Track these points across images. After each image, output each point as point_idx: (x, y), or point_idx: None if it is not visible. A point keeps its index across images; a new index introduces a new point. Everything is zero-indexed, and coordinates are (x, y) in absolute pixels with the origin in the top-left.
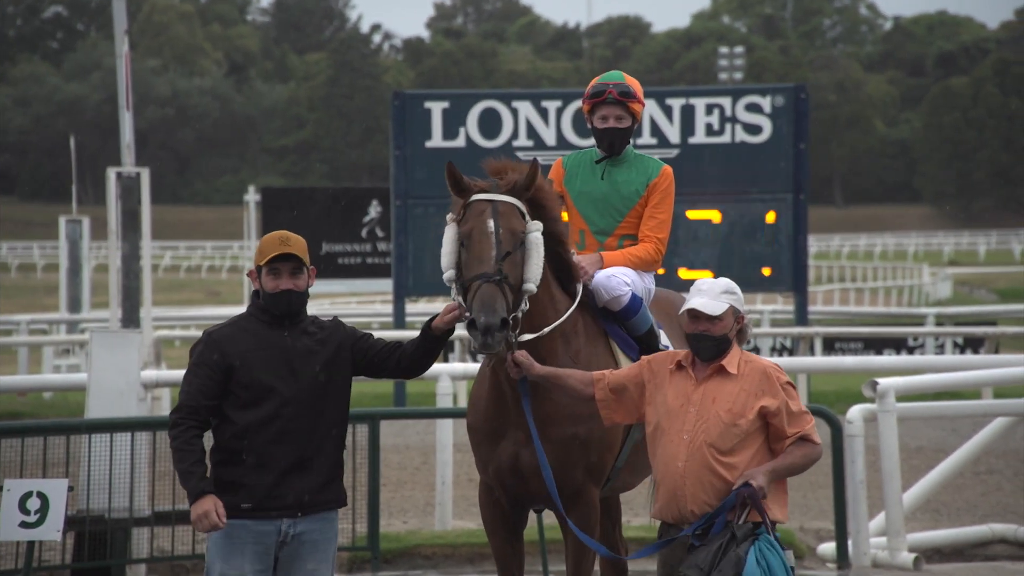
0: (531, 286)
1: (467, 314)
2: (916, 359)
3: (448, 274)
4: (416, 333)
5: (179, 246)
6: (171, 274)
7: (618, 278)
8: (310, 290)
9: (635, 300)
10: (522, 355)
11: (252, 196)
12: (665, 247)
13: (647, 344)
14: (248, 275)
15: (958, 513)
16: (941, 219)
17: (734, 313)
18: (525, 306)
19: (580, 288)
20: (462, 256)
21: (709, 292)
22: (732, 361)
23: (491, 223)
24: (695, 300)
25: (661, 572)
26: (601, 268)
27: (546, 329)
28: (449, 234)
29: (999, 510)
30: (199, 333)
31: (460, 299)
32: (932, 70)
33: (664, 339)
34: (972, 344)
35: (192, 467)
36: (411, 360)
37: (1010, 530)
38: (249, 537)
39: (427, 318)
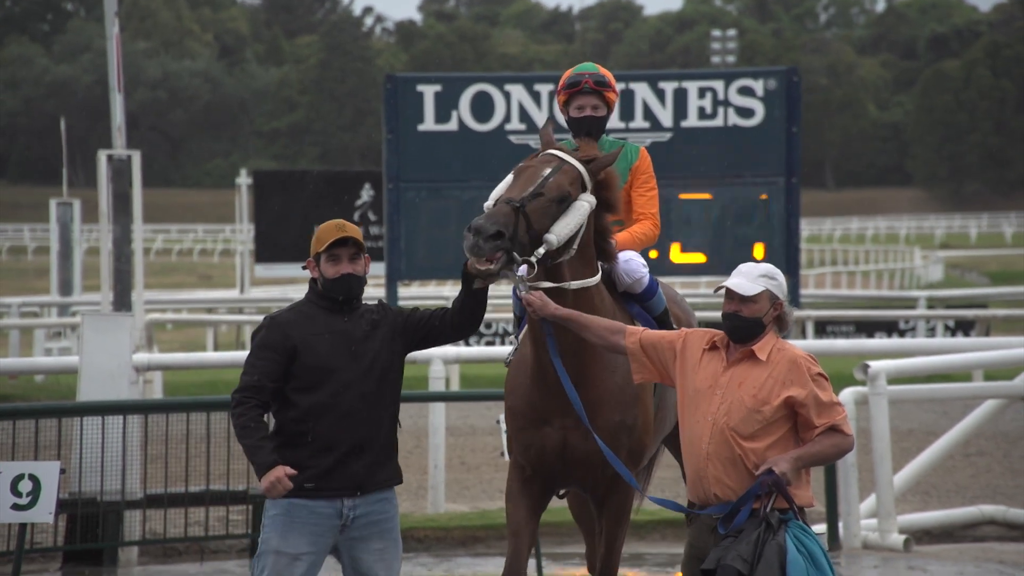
0: (552, 238)
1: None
2: (907, 342)
3: (488, 203)
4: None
5: (171, 229)
6: (163, 257)
7: (636, 261)
8: (304, 273)
9: (653, 282)
10: (537, 295)
11: (244, 179)
12: (659, 221)
13: (664, 324)
14: (306, 265)
15: (948, 495)
16: (933, 202)
17: (770, 298)
18: (541, 252)
19: (599, 267)
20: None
21: (747, 274)
22: (764, 347)
23: (547, 169)
24: (731, 279)
25: (689, 553)
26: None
27: (572, 284)
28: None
29: (988, 492)
30: (191, 316)
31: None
32: (924, 53)
33: None
34: (963, 327)
35: (261, 441)
36: (462, 316)
37: (999, 511)
38: (308, 517)
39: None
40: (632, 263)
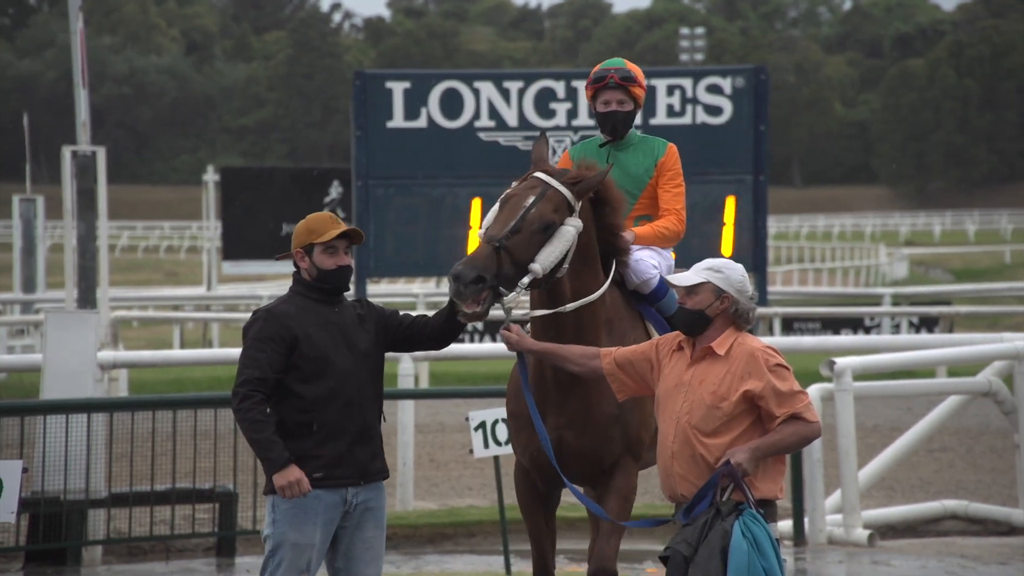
0: (537, 268)
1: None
2: (872, 339)
3: (480, 231)
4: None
5: (137, 226)
6: (129, 254)
7: (646, 262)
8: (272, 270)
9: (662, 283)
10: (514, 330)
11: (211, 176)
12: (685, 217)
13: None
14: (295, 255)
15: (912, 490)
16: (898, 200)
17: (714, 291)
18: (525, 281)
19: (613, 266)
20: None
21: (696, 267)
22: (723, 343)
23: (531, 198)
24: (676, 273)
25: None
26: (633, 243)
27: (562, 309)
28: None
29: (951, 486)
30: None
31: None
32: (889, 52)
33: None
34: (927, 324)
35: (272, 436)
36: (440, 331)
37: (961, 506)
38: (320, 507)
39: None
40: (641, 263)
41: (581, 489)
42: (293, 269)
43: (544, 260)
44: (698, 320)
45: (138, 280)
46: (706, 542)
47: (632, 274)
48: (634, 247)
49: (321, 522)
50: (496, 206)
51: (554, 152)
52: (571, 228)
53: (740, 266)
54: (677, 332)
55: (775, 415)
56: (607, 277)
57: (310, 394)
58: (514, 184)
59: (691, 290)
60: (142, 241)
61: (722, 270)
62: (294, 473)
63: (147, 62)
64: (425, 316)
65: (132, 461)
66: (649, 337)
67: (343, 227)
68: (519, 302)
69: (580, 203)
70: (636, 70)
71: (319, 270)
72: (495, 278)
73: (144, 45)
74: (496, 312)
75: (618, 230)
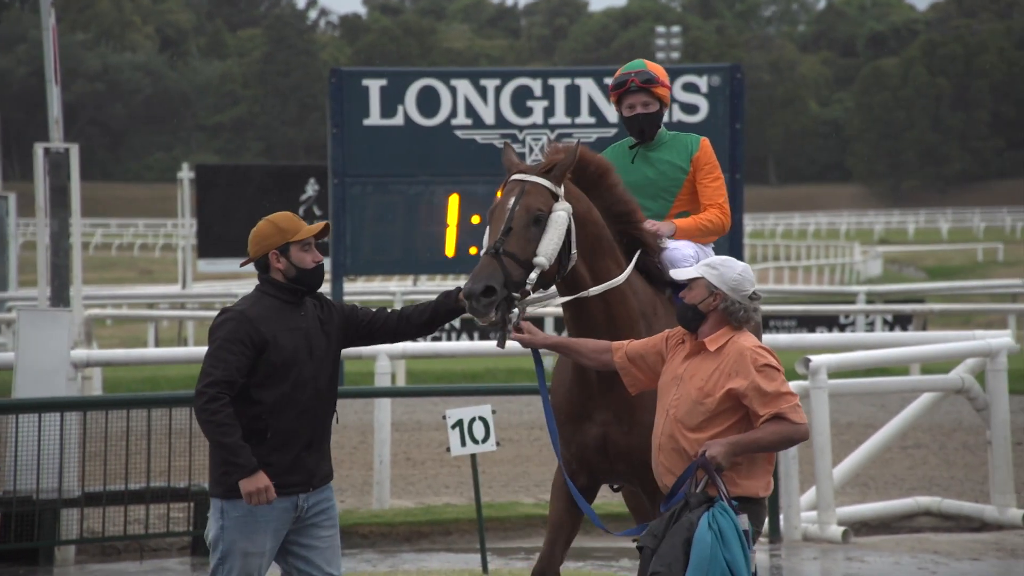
0: (542, 260)
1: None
2: (847, 336)
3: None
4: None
5: (110, 224)
6: (102, 252)
7: (683, 251)
8: (248, 268)
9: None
10: (525, 327)
11: (186, 173)
12: (729, 210)
13: None
14: (270, 257)
15: (886, 487)
16: (872, 198)
17: (707, 286)
18: (534, 276)
19: (637, 254)
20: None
21: (699, 264)
22: (716, 340)
23: (512, 200)
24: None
25: None
26: (674, 236)
27: (583, 293)
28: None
29: (924, 483)
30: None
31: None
32: (863, 51)
33: None
34: (901, 321)
35: (240, 440)
36: (414, 326)
37: (934, 502)
38: (272, 514)
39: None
40: (677, 252)
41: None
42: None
43: (545, 250)
44: (692, 315)
45: (112, 278)
46: (671, 533)
47: (667, 261)
48: (672, 242)
49: (272, 529)
50: (488, 223)
51: (531, 151)
52: (561, 212)
53: (742, 265)
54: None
55: (759, 414)
56: (644, 281)
57: (268, 400)
58: (497, 196)
59: (688, 284)
60: (116, 239)
61: (718, 267)
62: (263, 480)
63: (121, 59)
64: (390, 311)
65: (106, 460)
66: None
67: (312, 225)
68: (535, 301)
69: (563, 187)
70: (657, 70)
71: (298, 269)
72: (504, 286)
73: (118, 42)
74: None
75: (631, 216)
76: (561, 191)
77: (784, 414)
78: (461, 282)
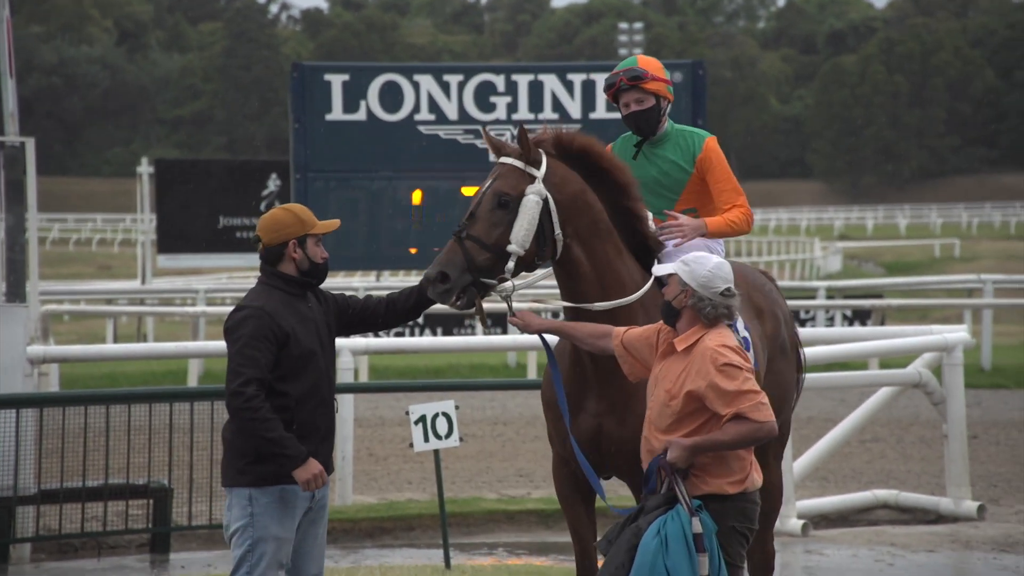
0: (514, 247)
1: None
2: (807, 331)
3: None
4: None
5: (68, 218)
6: (60, 247)
7: (693, 247)
8: (209, 264)
9: None
10: (520, 314)
11: (145, 168)
12: (750, 208)
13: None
14: (288, 247)
15: (845, 480)
16: (832, 194)
17: (680, 283)
18: (511, 265)
19: (649, 281)
20: None
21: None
22: (685, 339)
23: (488, 182)
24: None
25: None
26: (704, 234)
27: (588, 306)
28: None
29: (882, 476)
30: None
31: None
32: (823, 48)
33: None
34: (860, 316)
35: (285, 432)
36: (400, 312)
37: (892, 495)
38: (296, 501)
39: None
40: (687, 248)
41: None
42: (219, 262)
43: (517, 236)
44: (667, 310)
45: (70, 273)
46: (620, 539)
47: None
48: (687, 241)
49: (296, 516)
50: None
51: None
52: (532, 196)
53: (716, 261)
54: None
55: (721, 414)
56: (644, 273)
57: (293, 392)
58: None
59: (665, 280)
60: (74, 234)
61: (691, 263)
62: (315, 466)
63: (77, 52)
64: (381, 297)
65: (63, 457)
66: None
67: (329, 221)
68: (520, 287)
69: (543, 169)
70: (649, 64)
71: (311, 262)
72: (466, 272)
73: (75, 35)
74: (501, 304)
75: (640, 218)
76: (540, 172)
77: (745, 413)
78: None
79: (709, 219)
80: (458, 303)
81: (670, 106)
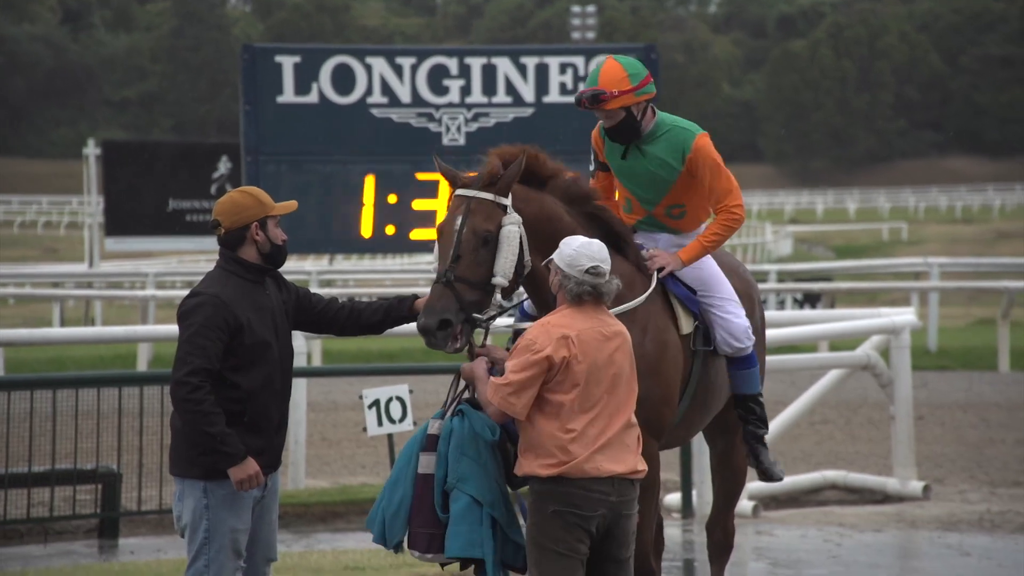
0: (499, 280)
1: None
2: None
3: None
4: None
5: (12, 200)
6: (4, 230)
7: (741, 323)
8: (159, 247)
9: (753, 355)
10: (482, 352)
11: (92, 149)
12: (741, 206)
13: (746, 403)
14: (251, 229)
15: (794, 462)
16: (782, 178)
17: (554, 266)
18: (499, 298)
19: (655, 277)
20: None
21: None
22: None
23: (457, 221)
24: None
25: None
26: (682, 266)
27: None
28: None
29: (831, 458)
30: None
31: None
32: (773, 32)
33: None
34: (810, 300)
35: (226, 428)
36: (362, 325)
37: (840, 476)
38: (250, 493)
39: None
40: (736, 324)
41: None
42: (168, 244)
43: (501, 268)
44: (551, 297)
45: (14, 256)
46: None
47: (730, 339)
48: (663, 239)
49: (248, 507)
50: (436, 245)
51: (447, 130)
52: (511, 227)
53: (583, 240)
54: None
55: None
56: (647, 286)
57: (245, 383)
58: (445, 214)
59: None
60: (18, 216)
61: (561, 246)
62: (252, 466)
63: (19, 31)
64: (341, 303)
65: (8, 442)
66: (674, 315)
67: (287, 202)
68: (493, 318)
69: (510, 196)
70: (610, 79)
71: (272, 244)
72: (460, 312)
73: (16, 13)
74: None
75: (589, 197)
76: (508, 201)
77: (485, 394)
78: (377, 263)
79: (683, 249)
80: (458, 345)
81: (652, 101)
